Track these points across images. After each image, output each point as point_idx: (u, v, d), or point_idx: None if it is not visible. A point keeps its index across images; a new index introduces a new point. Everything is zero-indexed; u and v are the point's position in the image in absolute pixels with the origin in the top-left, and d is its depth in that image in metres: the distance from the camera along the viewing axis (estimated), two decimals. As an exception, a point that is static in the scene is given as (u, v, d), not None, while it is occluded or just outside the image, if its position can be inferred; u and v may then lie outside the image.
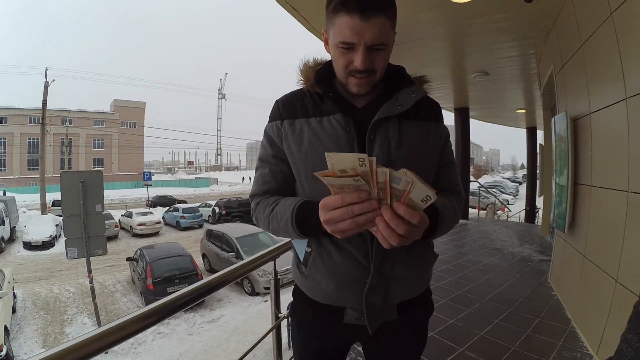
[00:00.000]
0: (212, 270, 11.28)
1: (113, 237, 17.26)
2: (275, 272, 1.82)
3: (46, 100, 23.67)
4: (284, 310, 1.87)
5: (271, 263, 1.80)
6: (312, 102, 1.02)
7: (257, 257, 1.68)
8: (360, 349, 2.22)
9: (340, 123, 0.96)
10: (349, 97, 1.01)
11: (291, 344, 1.19)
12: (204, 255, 12.08)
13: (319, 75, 1.01)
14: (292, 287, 1.17)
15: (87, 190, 6.25)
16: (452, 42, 4.73)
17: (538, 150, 9.62)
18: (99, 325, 6.84)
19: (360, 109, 1.00)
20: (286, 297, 1.58)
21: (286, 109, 1.03)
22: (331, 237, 0.96)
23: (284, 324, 2.08)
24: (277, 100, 1.08)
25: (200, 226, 19.60)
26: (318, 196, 0.93)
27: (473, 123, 9.44)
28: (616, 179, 2.18)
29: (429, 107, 1.06)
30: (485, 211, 14.53)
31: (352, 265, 0.97)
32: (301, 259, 1.06)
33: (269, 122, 1.06)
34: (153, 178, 38.23)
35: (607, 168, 2.39)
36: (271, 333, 1.80)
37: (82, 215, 6.20)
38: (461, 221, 7.65)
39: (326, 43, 0.97)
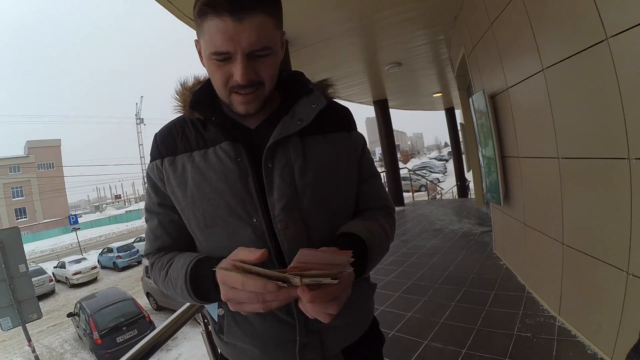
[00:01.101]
0: (160, 309, 10.61)
1: (50, 293, 15.74)
2: (205, 324, 1.51)
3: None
4: None
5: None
6: (193, 132, 0.84)
7: (187, 307, 1.46)
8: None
9: (229, 154, 0.79)
10: (238, 118, 0.84)
11: None
12: (147, 294, 11.23)
13: (197, 97, 0.83)
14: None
15: (6, 251, 5.62)
16: (363, 37, 4.78)
17: (459, 128, 10.20)
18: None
19: (254, 130, 0.83)
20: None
21: (165, 144, 0.85)
22: None
23: None
24: (155, 134, 0.89)
25: (139, 263, 18.23)
26: (216, 249, 0.79)
27: (394, 112, 9.77)
28: (544, 147, 2.27)
29: (336, 116, 0.90)
30: (424, 192, 15.05)
31: (275, 325, 0.80)
32: (216, 323, 0.89)
33: (150, 162, 0.88)
34: (81, 219, 35.19)
35: (533, 138, 2.50)
36: None
37: (7, 279, 5.57)
38: (398, 208, 7.80)
39: (200, 56, 0.78)
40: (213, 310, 0.87)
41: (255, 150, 0.79)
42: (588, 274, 1.99)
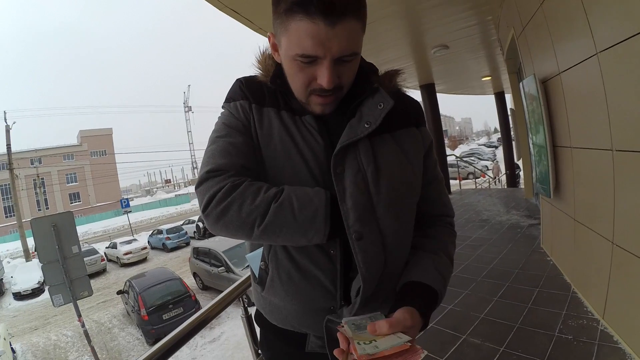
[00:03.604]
0: (205, 289, 11.10)
1: (101, 272, 16.86)
2: (246, 309, 1.59)
3: (10, 144, 22.94)
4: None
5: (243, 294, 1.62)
6: (279, 95, 0.81)
7: (231, 290, 1.52)
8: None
9: (314, 127, 0.77)
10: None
11: None
12: (194, 274, 11.79)
13: (279, 70, 0.80)
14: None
15: (60, 234, 5.96)
16: (407, 20, 4.63)
17: (509, 114, 9.70)
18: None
19: (325, 116, 0.81)
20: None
21: (252, 92, 0.81)
22: (293, 255, 0.79)
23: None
24: (239, 79, 0.85)
25: (187, 244, 19.10)
26: None
27: (441, 97, 9.46)
28: (598, 138, 2.09)
29: (404, 110, 0.84)
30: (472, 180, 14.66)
31: (317, 290, 0.79)
32: (256, 275, 0.88)
33: (229, 102, 0.83)
34: (133, 202, 37.27)
35: (586, 128, 2.31)
36: None
37: (60, 260, 5.94)
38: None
39: (274, 50, 0.77)
40: (256, 261, 0.86)
41: (331, 136, 0.78)
42: (637, 277, 1.83)
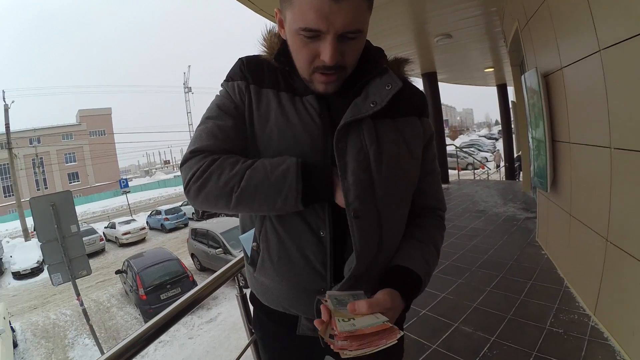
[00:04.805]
0: (203, 270, 11.18)
1: (100, 251, 16.95)
2: (240, 288, 1.62)
3: (9, 124, 22.79)
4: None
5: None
6: (280, 75, 0.81)
7: (226, 268, 1.54)
8: None
9: (315, 108, 0.77)
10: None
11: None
12: (192, 255, 11.89)
13: (284, 47, 0.79)
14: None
15: (59, 213, 5.98)
16: (411, 6, 4.57)
17: (510, 107, 9.66)
18: (98, 345, 6.79)
19: (328, 95, 0.81)
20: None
21: (252, 72, 0.81)
22: (282, 236, 0.80)
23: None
24: (241, 59, 0.85)
25: (186, 225, 19.24)
26: None
27: (443, 86, 9.39)
28: (597, 135, 2.10)
29: (409, 98, 0.84)
30: (470, 170, 14.69)
31: (307, 272, 0.80)
32: (249, 256, 0.89)
33: (228, 81, 0.83)
34: (132, 183, 37.20)
35: (585, 124, 2.31)
36: (250, 349, 1.67)
37: (59, 239, 5.96)
38: (443, 186, 7.65)
39: (281, 26, 0.77)
40: (248, 242, 0.88)
41: (333, 116, 0.78)
42: (629, 276, 1.85)
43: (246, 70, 0.82)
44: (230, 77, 0.83)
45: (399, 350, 0.96)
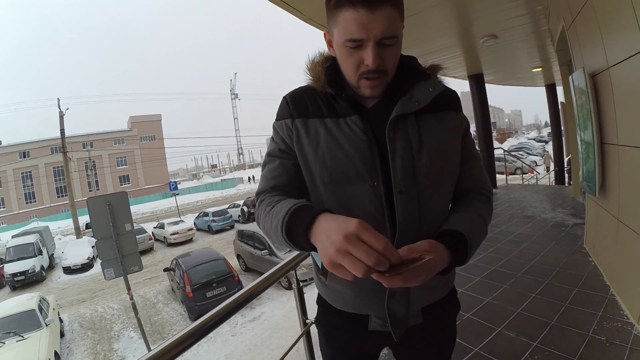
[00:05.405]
0: (248, 270, 11.52)
1: (148, 250, 17.82)
2: (298, 281, 1.78)
3: (64, 129, 24.62)
4: (311, 315, 1.83)
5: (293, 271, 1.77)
6: (325, 101, 0.94)
7: (275, 270, 1.64)
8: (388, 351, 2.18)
9: (359, 125, 0.88)
10: (358, 98, 0.93)
11: (321, 354, 1.16)
12: (238, 256, 12.24)
13: (331, 76, 0.93)
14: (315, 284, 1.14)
15: (114, 212, 6.38)
16: (455, 9, 4.53)
17: (560, 107, 9.24)
18: (145, 338, 7.13)
19: (369, 110, 0.93)
20: (310, 294, 1.53)
21: (297, 107, 0.95)
22: None
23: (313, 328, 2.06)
24: (285, 97, 0.98)
25: (232, 227, 19.81)
26: (336, 206, 0.89)
27: (490, 88, 9.14)
28: (644, 136, 2.02)
29: (446, 96, 0.96)
30: (519, 175, 14.14)
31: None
32: (319, 268, 1.02)
33: (277, 120, 0.98)
34: (180, 186, 38.87)
35: (634, 125, 2.22)
36: (302, 340, 1.78)
37: (113, 236, 6.36)
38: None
39: (330, 45, 0.91)
40: (318, 256, 0.97)
41: (373, 127, 0.89)
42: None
43: (291, 107, 0.95)
44: (279, 116, 0.97)
45: (454, 301, 1.09)
